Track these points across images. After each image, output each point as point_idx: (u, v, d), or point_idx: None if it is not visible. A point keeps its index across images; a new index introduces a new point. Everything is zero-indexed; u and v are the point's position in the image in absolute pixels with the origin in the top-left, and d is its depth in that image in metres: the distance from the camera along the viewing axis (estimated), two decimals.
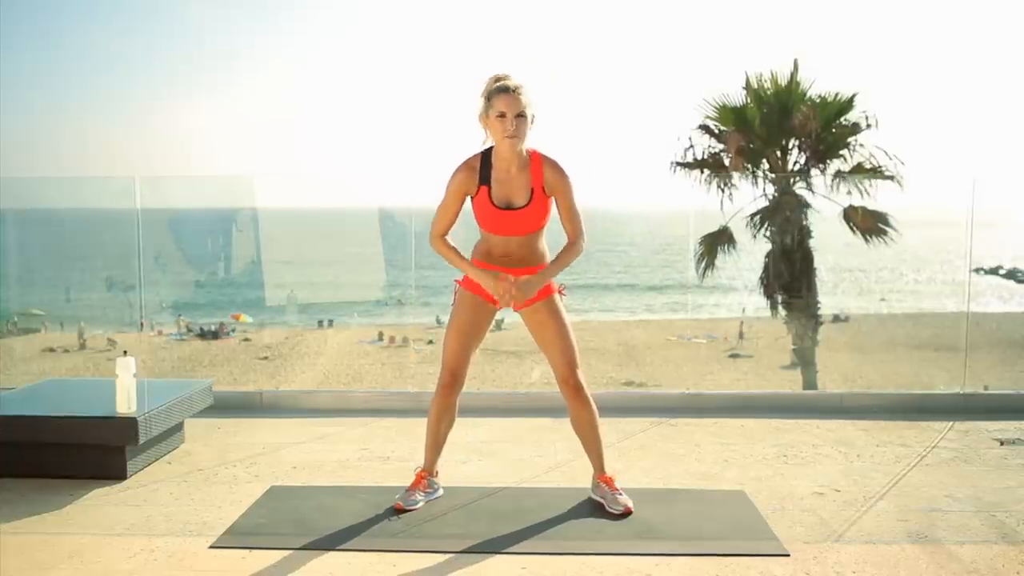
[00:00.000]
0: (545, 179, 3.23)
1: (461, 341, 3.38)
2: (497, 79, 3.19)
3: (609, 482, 3.42)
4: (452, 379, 3.38)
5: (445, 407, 3.42)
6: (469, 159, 3.29)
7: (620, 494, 3.38)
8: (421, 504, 3.44)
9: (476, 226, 3.36)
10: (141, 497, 3.58)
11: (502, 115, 3.14)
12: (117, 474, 3.78)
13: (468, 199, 3.30)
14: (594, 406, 3.39)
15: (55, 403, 4.12)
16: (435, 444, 3.49)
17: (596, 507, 3.41)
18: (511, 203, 3.23)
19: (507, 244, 3.30)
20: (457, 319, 3.40)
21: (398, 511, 3.36)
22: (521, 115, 3.14)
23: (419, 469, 3.53)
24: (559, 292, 3.39)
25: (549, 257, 3.34)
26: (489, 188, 3.23)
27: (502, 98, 3.14)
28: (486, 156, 3.27)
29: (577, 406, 3.37)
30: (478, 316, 3.39)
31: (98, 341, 19.00)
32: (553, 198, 3.27)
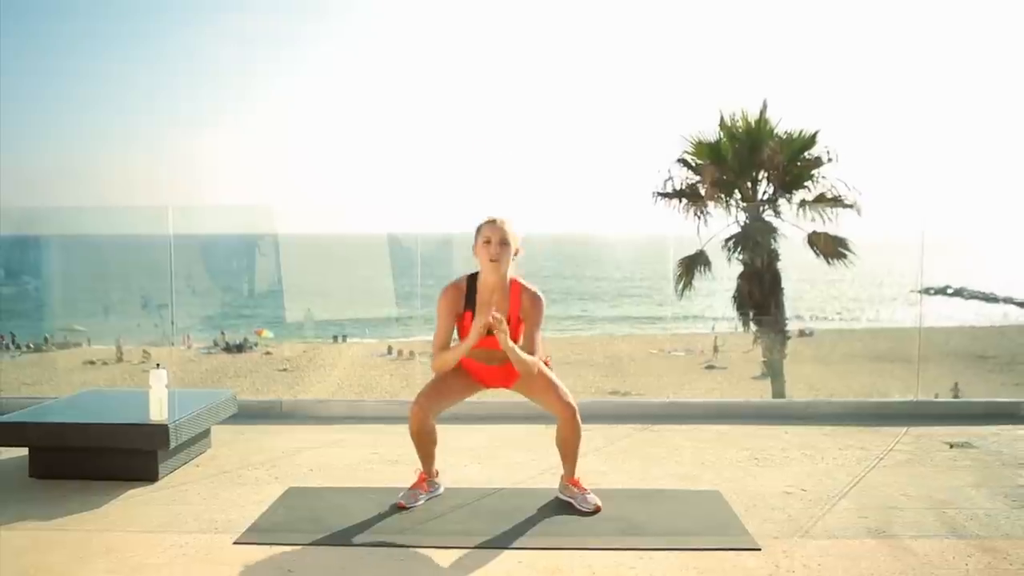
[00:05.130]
0: (522, 306, 3.29)
1: (439, 396, 3.36)
2: (487, 217, 3.30)
3: (577, 484, 3.42)
4: (423, 415, 3.29)
5: (420, 431, 3.33)
6: (456, 281, 3.36)
7: (588, 494, 3.39)
8: (422, 502, 3.42)
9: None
10: (172, 497, 3.57)
11: (487, 241, 3.24)
12: (150, 476, 3.77)
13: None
14: (582, 430, 3.34)
15: (95, 411, 4.10)
16: (426, 456, 3.46)
17: (565, 505, 3.40)
18: (492, 329, 3.19)
19: (489, 354, 3.34)
20: (438, 380, 3.37)
21: (400, 508, 3.35)
22: (504, 242, 3.23)
23: (420, 471, 3.51)
24: (545, 363, 3.40)
25: None
26: (474, 312, 3.29)
27: (487, 227, 3.27)
28: (472, 280, 3.33)
29: (572, 425, 3.30)
30: (464, 387, 3.43)
31: (133, 355, 18.93)
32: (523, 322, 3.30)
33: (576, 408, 3.29)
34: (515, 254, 3.31)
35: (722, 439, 4.58)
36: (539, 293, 3.33)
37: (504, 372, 3.40)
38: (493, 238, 3.24)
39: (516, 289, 3.32)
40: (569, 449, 3.39)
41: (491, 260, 3.23)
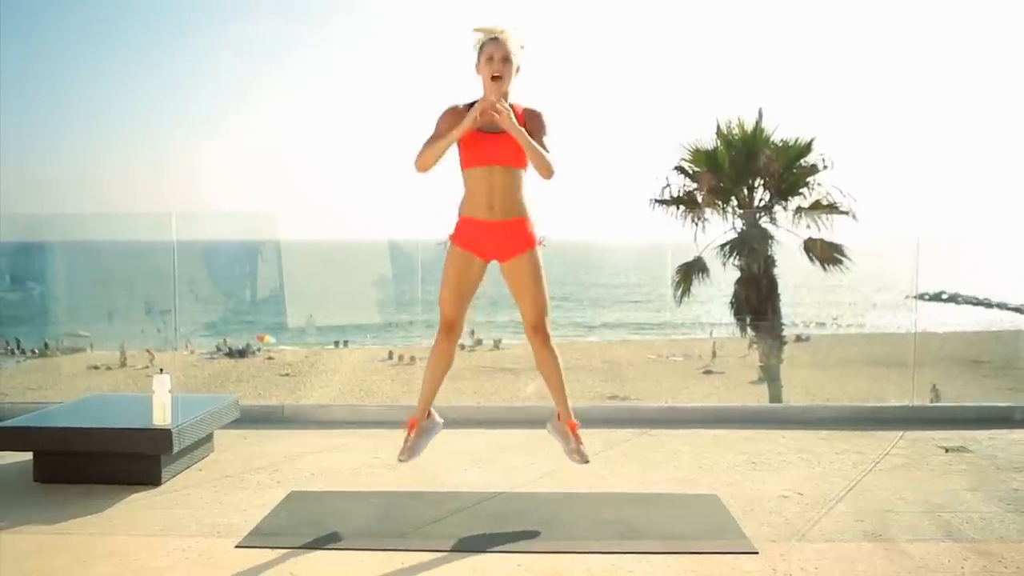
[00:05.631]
0: (526, 119, 3.10)
1: (455, 297, 3.23)
2: (488, 31, 3.13)
3: (574, 429, 3.29)
4: (450, 329, 3.24)
5: (444, 352, 3.28)
6: (456, 104, 3.18)
7: (582, 445, 3.28)
8: (425, 444, 3.36)
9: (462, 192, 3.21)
10: (174, 501, 3.56)
11: (490, 58, 3.08)
12: (153, 480, 3.76)
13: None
14: (559, 356, 3.24)
15: (98, 416, 4.10)
16: (433, 385, 3.33)
17: (564, 507, 3.33)
18: (494, 128, 3.06)
19: (490, 183, 3.10)
20: (449, 276, 3.24)
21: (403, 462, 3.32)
22: (507, 59, 3.08)
23: (411, 418, 3.37)
24: (540, 244, 3.22)
25: (529, 212, 3.19)
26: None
27: (490, 43, 3.09)
28: (472, 106, 3.13)
29: (544, 354, 3.22)
30: (468, 272, 3.22)
31: (137, 360, 18.92)
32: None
33: (548, 334, 3.17)
34: (517, 71, 3.14)
35: (719, 443, 4.57)
36: (541, 110, 3.17)
37: (506, 231, 3.14)
38: (496, 55, 3.07)
39: (518, 112, 3.11)
40: (551, 381, 3.26)
41: (493, 77, 3.08)
